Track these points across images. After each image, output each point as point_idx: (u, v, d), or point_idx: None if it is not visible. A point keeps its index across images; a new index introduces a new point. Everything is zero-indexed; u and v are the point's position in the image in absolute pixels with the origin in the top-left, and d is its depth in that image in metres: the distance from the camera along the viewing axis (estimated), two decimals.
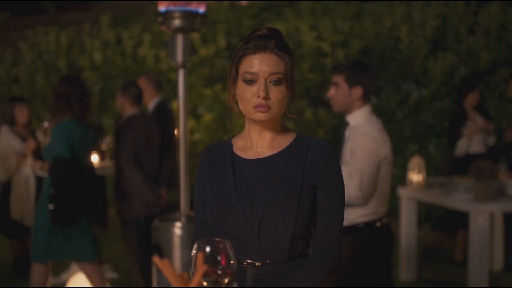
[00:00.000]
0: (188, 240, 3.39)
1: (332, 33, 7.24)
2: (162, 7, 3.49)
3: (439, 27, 6.98)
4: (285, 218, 1.72)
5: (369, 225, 3.00)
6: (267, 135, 1.83)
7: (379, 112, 6.89)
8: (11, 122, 5.33)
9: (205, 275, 1.40)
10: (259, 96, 1.73)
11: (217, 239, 1.44)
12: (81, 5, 12.48)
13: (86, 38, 8.81)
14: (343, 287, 2.80)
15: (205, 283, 1.40)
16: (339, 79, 3.12)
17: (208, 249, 1.42)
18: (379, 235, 3.02)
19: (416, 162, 5.18)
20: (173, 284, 1.36)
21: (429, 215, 6.79)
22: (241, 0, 3.57)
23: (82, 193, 3.94)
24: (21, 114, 5.33)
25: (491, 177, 4.52)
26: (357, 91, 3.09)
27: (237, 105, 1.82)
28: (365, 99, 3.13)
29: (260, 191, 1.76)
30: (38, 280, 4.00)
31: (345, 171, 2.84)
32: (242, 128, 1.90)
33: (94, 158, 5.65)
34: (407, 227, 5.30)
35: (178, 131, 3.59)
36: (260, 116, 1.75)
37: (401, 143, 6.89)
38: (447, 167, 6.30)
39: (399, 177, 6.70)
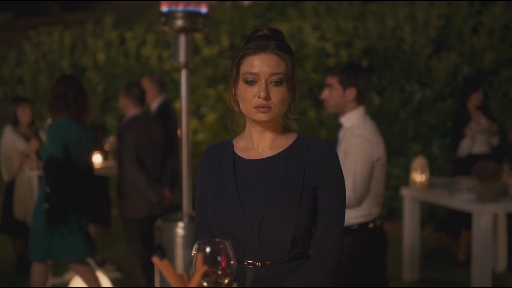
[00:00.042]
0: (191, 240, 3.39)
1: (335, 33, 7.24)
2: (164, 8, 3.49)
3: (443, 27, 6.97)
4: (286, 218, 1.72)
5: (362, 226, 3.01)
6: (268, 136, 1.83)
7: (382, 112, 6.89)
8: (14, 122, 5.35)
9: (205, 276, 1.40)
10: (259, 97, 1.73)
11: (217, 240, 1.44)
12: (84, 6, 12.51)
13: (89, 38, 8.82)
14: None
15: (205, 284, 1.40)
16: (333, 80, 3.13)
17: (208, 249, 1.42)
18: (372, 236, 3.04)
19: (419, 162, 5.18)
20: (173, 284, 1.36)
21: (432, 215, 6.78)
22: (243, 0, 3.58)
23: (77, 192, 3.95)
24: (24, 114, 5.34)
25: (494, 178, 4.51)
26: (351, 93, 3.11)
27: (238, 106, 1.81)
28: (359, 100, 3.14)
29: (261, 191, 1.76)
30: (38, 280, 4.01)
31: None
32: (244, 128, 1.90)
33: (97, 158, 5.66)
34: (410, 227, 5.30)
35: (180, 131, 3.59)
36: (261, 116, 1.74)
37: (404, 143, 6.88)
38: (450, 167, 6.29)
39: (402, 178, 6.70)
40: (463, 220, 5.41)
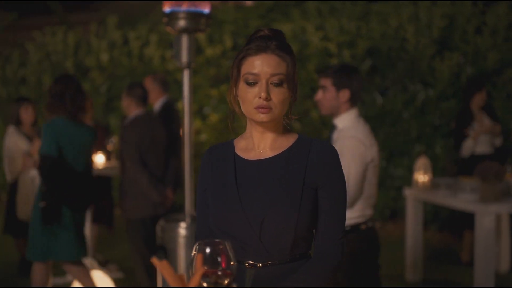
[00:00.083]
0: (193, 240, 3.38)
1: (339, 33, 7.23)
2: (167, 8, 3.49)
3: (446, 27, 6.96)
4: (287, 219, 1.72)
5: (355, 227, 3.02)
6: (269, 136, 1.83)
7: (385, 112, 6.88)
8: (17, 122, 5.36)
9: (205, 276, 1.40)
10: (260, 97, 1.73)
11: (217, 240, 1.44)
12: (88, 6, 12.53)
13: (93, 38, 8.83)
14: None
15: (204, 284, 1.40)
16: (326, 82, 3.14)
17: (208, 250, 1.42)
18: (364, 237, 3.04)
19: (422, 162, 5.17)
20: (172, 285, 1.36)
21: (436, 215, 6.77)
22: (246, 0, 3.57)
23: (73, 191, 3.95)
24: (27, 114, 5.35)
25: (497, 178, 4.50)
26: (345, 94, 3.11)
27: (238, 106, 1.82)
28: (352, 102, 3.15)
29: (261, 192, 1.76)
30: (39, 280, 4.02)
31: None
32: (245, 128, 1.90)
33: (100, 159, 5.67)
34: (413, 227, 5.29)
35: (183, 131, 3.59)
36: (262, 117, 1.74)
37: (408, 144, 6.87)
38: (453, 167, 6.28)
39: (405, 178, 6.69)
40: (466, 220, 5.40)
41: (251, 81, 1.74)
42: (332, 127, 3.22)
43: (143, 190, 4.67)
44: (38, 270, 4.02)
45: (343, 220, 1.82)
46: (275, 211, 1.72)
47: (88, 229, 5.39)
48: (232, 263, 1.43)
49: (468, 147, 5.49)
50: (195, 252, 1.42)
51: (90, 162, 4.19)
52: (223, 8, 8.46)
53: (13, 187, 5.33)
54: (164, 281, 3.39)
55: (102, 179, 5.75)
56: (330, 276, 1.76)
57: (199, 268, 1.37)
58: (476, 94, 5.58)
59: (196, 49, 3.63)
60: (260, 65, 1.73)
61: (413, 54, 6.87)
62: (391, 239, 6.74)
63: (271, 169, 1.79)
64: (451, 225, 6.68)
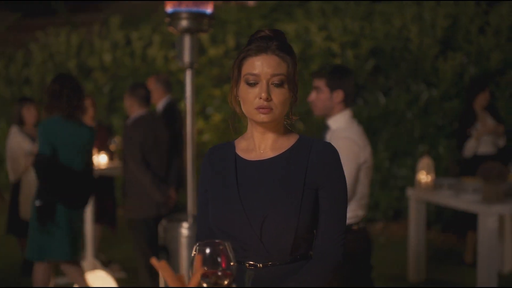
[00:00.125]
0: (195, 240, 3.39)
1: (342, 33, 7.23)
2: (169, 8, 3.49)
3: (450, 27, 6.95)
4: (287, 219, 1.72)
5: (347, 228, 3.01)
6: (270, 137, 1.82)
7: (388, 112, 6.87)
8: (20, 123, 5.37)
9: (205, 277, 1.40)
10: (261, 98, 1.72)
11: (217, 241, 1.44)
12: (91, 6, 12.55)
13: (96, 39, 8.84)
14: None
15: (204, 285, 1.40)
16: (320, 83, 3.15)
17: (208, 250, 1.41)
18: (356, 238, 3.05)
19: (425, 163, 5.16)
20: (171, 285, 1.37)
21: (439, 216, 6.76)
22: (248, 0, 3.57)
23: (69, 190, 3.96)
24: (29, 114, 5.36)
25: (500, 178, 4.49)
26: (338, 95, 3.12)
27: (239, 107, 1.81)
28: (346, 103, 3.16)
29: (262, 192, 1.75)
30: (40, 280, 4.03)
31: None
32: (246, 129, 1.90)
33: (103, 159, 5.68)
34: (415, 228, 5.28)
35: (185, 132, 3.60)
36: (262, 117, 1.74)
37: (411, 144, 6.87)
38: (456, 168, 6.27)
39: (409, 178, 6.68)
40: (469, 221, 5.39)
41: (251, 81, 1.74)
42: (325, 128, 3.23)
43: (146, 190, 4.67)
44: (39, 270, 4.03)
45: (344, 220, 1.81)
46: (275, 212, 1.72)
47: (90, 229, 5.40)
48: (232, 263, 1.42)
49: (471, 147, 5.48)
50: (195, 253, 1.43)
51: (89, 161, 4.19)
52: (226, 8, 8.46)
53: (16, 187, 5.34)
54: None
55: (105, 179, 5.76)
56: (330, 276, 1.75)
57: (198, 269, 1.37)
58: (479, 94, 5.57)
59: (198, 49, 3.63)
60: (261, 65, 1.73)
61: (416, 54, 6.86)
62: (394, 239, 6.73)
63: (272, 170, 1.78)
64: (454, 226, 6.67)
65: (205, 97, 7.61)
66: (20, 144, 5.28)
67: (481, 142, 5.49)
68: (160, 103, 5.52)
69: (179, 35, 3.56)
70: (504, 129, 5.64)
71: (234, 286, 1.45)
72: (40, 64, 9.10)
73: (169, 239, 3.53)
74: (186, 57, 3.55)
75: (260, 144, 1.83)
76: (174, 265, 3.49)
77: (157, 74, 5.93)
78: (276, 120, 1.78)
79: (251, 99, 1.74)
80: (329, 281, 1.75)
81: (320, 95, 3.14)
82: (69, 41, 9.06)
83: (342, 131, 3.07)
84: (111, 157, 5.88)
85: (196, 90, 7.33)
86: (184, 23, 3.48)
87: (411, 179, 6.47)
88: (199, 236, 1.87)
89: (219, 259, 1.41)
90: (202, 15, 3.50)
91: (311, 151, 1.80)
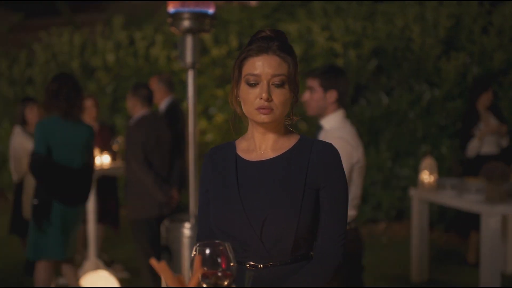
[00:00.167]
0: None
1: (344, 33, 7.22)
2: (171, 8, 3.49)
3: (452, 27, 6.94)
4: (288, 220, 1.72)
5: None
6: (270, 137, 1.82)
7: (391, 112, 6.87)
8: (23, 123, 5.38)
9: (205, 277, 1.40)
10: (261, 98, 1.72)
11: (217, 242, 1.44)
12: (94, 6, 12.55)
13: (99, 39, 8.85)
14: None
15: (204, 285, 1.40)
16: (314, 83, 3.15)
17: (208, 251, 1.41)
18: (348, 238, 3.04)
19: (428, 163, 5.15)
20: (170, 285, 1.37)
21: (442, 216, 6.75)
22: (250, 0, 3.57)
23: (64, 188, 3.97)
24: (32, 114, 5.37)
25: (503, 179, 4.48)
26: (332, 95, 3.13)
27: (240, 107, 1.82)
28: (339, 103, 3.16)
29: (262, 193, 1.75)
30: (42, 279, 4.04)
31: None
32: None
33: (106, 159, 5.68)
34: (418, 228, 5.28)
35: (187, 132, 3.59)
36: (263, 118, 1.74)
37: (413, 144, 6.86)
38: (459, 168, 6.26)
39: (411, 178, 6.68)
40: (472, 221, 5.38)
41: (252, 82, 1.74)
42: (318, 128, 3.24)
43: (148, 190, 4.68)
44: (41, 270, 4.04)
45: (344, 220, 1.81)
46: (276, 212, 1.72)
47: (93, 229, 5.40)
48: (232, 264, 1.42)
49: (474, 147, 5.47)
50: (195, 253, 1.43)
51: (88, 159, 4.19)
52: (228, 8, 8.45)
53: (19, 187, 5.34)
54: None
55: (108, 179, 5.77)
56: (330, 277, 1.75)
57: (198, 269, 1.37)
58: (482, 94, 5.56)
59: (200, 50, 3.63)
60: (261, 66, 1.73)
61: (419, 54, 6.85)
62: (397, 239, 6.73)
63: (273, 170, 1.78)
64: (457, 226, 6.66)
65: (208, 97, 7.61)
66: (23, 144, 5.28)
67: (484, 142, 5.48)
68: (162, 103, 5.52)
69: (181, 35, 3.56)
70: (507, 129, 5.63)
71: (234, 286, 1.45)
72: (43, 64, 9.11)
73: (171, 239, 3.53)
74: (188, 57, 3.54)
75: (260, 145, 1.83)
76: (176, 265, 3.49)
77: (160, 74, 5.93)
78: (277, 121, 1.78)
79: (251, 99, 1.74)
80: (329, 282, 1.75)
81: (314, 95, 3.15)
82: (72, 41, 9.07)
83: (335, 131, 3.07)
84: (114, 157, 5.88)
85: (199, 90, 7.34)
86: (186, 23, 3.47)
87: (413, 179, 6.47)
88: (200, 236, 1.87)
89: (219, 260, 1.41)
90: (204, 15, 3.49)
91: (312, 152, 1.80)
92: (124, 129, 7.11)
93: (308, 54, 7.21)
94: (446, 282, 5.28)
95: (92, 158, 4.26)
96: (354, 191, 3.06)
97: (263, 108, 1.73)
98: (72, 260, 4.27)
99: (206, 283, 1.40)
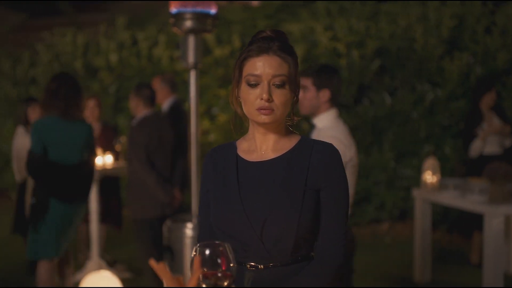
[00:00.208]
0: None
1: (347, 33, 7.21)
2: (173, 9, 3.49)
3: (455, 27, 6.92)
4: (288, 221, 1.71)
5: None
6: (271, 138, 1.82)
7: (394, 112, 6.85)
8: (26, 122, 5.39)
9: (205, 278, 1.40)
10: (262, 99, 1.72)
11: (217, 242, 1.43)
12: (97, 7, 12.56)
13: (102, 39, 8.86)
14: None
15: (204, 285, 1.40)
16: (307, 82, 3.16)
17: (207, 252, 1.41)
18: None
19: (430, 163, 5.14)
20: (168, 285, 1.36)
21: (445, 216, 6.74)
22: (252, 0, 3.56)
23: (61, 185, 3.97)
24: (34, 114, 5.38)
25: (506, 179, 4.46)
26: (325, 94, 3.13)
27: (241, 107, 1.81)
28: (332, 102, 3.17)
29: (263, 193, 1.75)
30: (43, 279, 4.04)
31: None
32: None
33: (108, 159, 5.68)
34: (421, 228, 5.27)
35: (189, 132, 3.60)
36: (263, 118, 1.74)
37: (417, 144, 6.85)
38: (462, 168, 6.24)
39: (414, 178, 6.67)
40: (475, 221, 5.37)
41: (252, 82, 1.74)
42: (311, 127, 3.24)
43: (151, 191, 4.68)
44: (43, 269, 4.05)
45: (345, 221, 1.80)
46: (276, 213, 1.72)
47: (96, 229, 5.40)
48: (232, 265, 1.42)
49: (477, 147, 5.46)
50: (194, 253, 1.42)
51: (89, 157, 4.20)
52: (231, 9, 8.45)
53: (22, 187, 5.35)
54: None
55: (110, 179, 5.77)
56: (331, 278, 1.75)
57: (197, 270, 1.36)
58: (485, 94, 5.55)
59: (203, 50, 3.63)
60: (262, 66, 1.72)
61: (422, 54, 6.84)
62: (400, 240, 6.72)
63: (273, 171, 1.78)
64: (460, 226, 6.65)
65: (211, 97, 7.61)
66: (25, 144, 5.28)
67: (487, 142, 5.47)
68: (165, 103, 5.53)
69: (183, 35, 3.56)
70: (511, 129, 5.62)
71: (234, 287, 1.44)
72: (46, 65, 9.12)
73: (173, 240, 3.53)
74: (190, 58, 3.54)
75: (261, 145, 1.83)
76: (178, 265, 3.49)
77: (163, 74, 5.93)
78: (278, 121, 1.78)
79: (252, 100, 1.74)
80: (330, 282, 1.75)
81: (307, 94, 3.16)
82: (75, 41, 9.07)
83: (328, 130, 3.08)
84: (116, 157, 5.89)
85: (202, 90, 7.34)
86: (188, 23, 3.48)
87: (416, 179, 6.46)
88: (201, 237, 1.87)
89: (219, 260, 1.41)
90: (206, 15, 3.49)
91: (312, 152, 1.79)
92: (126, 129, 7.11)
93: (311, 54, 7.20)
94: (449, 282, 5.27)
95: (92, 156, 4.26)
96: None
97: (264, 109, 1.73)
98: (67, 259, 4.27)
99: (206, 284, 1.40)
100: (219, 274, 1.40)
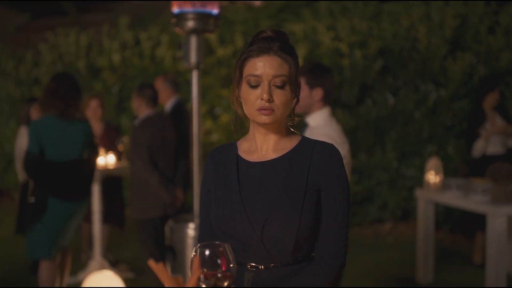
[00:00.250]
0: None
1: (350, 33, 7.20)
2: (175, 9, 3.50)
3: (458, 27, 6.91)
4: (289, 221, 1.71)
5: None
6: (272, 138, 1.82)
7: (397, 112, 6.85)
8: (29, 123, 5.40)
9: (205, 278, 1.40)
10: (262, 99, 1.72)
11: (217, 242, 1.43)
12: (101, 6, 12.58)
13: (105, 39, 8.87)
14: None
15: (203, 286, 1.40)
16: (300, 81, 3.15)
17: (207, 252, 1.41)
18: None
19: (433, 163, 5.14)
20: (167, 286, 1.36)
21: (448, 216, 6.73)
22: (255, 0, 3.56)
23: (59, 184, 3.98)
24: (37, 114, 5.39)
25: (509, 179, 4.46)
26: (318, 93, 3.14)
27: (241, 108, 1.81)
28: (325, 101, 3.18)
29: (264, 194, 1.75)
30: (45, 279, 4.05)
31: None
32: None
33: (111, 159, 5.69)
34: (424, 228, 5.26)
35: (191, 132, 3.60)
36: (264, 118, 1.74)
37: (419, 144, 6.84)
38: (464, 168, 6.23)
39: (417, 178, 6.66)
40: (477, 221, 5.36)
41: (253, 83, 1.73)
42: (304, 125, 3.25)
43: (153, 191, 4.68)
44: (44, 269, 4.06)
45: (346, 221, 1.80)
46: (277, 213, 1.71)
47: (98, 229, 5.41)
48: (231, 265, 1.42)
49: (479, 147, 5.45)
50: (194, 254, 1.42)
51: (89, 155, 4.20)
52: (233, 9, 8.45)
53: (25, 187, 5.35)
54: None
55: (113, 179, 5.77)
56: (332, 279, 1.75)
57: (196, 270, 1.36)
58: (488, 94, 5.54)
59: (205, 50, 3.63)
60: (262, 66, 1.72)
61: (425, 54, 6.83)
62: (402, 240, 6.71)
63: (274, 171, 1.78)
64: (462, 226, 6.64)
65: (214, 97, 7.61)
66: None
67: (490, 142, 5.46)
68: (168, 103, 5.53)
69: (186, 35, 3.56)
70: None
71: (234, 287, 1.44)
72: (49, 65, 9.13)
73: (175, 240, 3.53)
74: (193, 58, 3.55)
75: (262, 146, 1.83)
76: (180, 265, 3.49)
77: (165, 74, 5.93)
78: (278, 122, 1.78)
79: (252, 100, 1.74)
80: (330, 282, 1.75)
81: (300, 93, 3.16)
82: (78, 42, 9.09)
83: (321, 128, 3.09)
84: (119, 157, 5.89)
85: (204, 90, 7.34)
86: (190, 23, 3.48)
87: (419, 179, 6.45)
88: (201, 237, 1.87)
89: (218, 261, 1.41)
90: (208, 15, 3.50)
91: (313, 152, 1.79)
92: (129, 129, 7.12)
93: (314, 54, 7.19)
94: (452, 282, 5.26)
95: (93, 154, 4.26)
96: None
97: (264, 109, 1.72)
98: (54, 261, 4.28)
99: (205, 284, 1.40)
100: (219, 275, 1.40)
